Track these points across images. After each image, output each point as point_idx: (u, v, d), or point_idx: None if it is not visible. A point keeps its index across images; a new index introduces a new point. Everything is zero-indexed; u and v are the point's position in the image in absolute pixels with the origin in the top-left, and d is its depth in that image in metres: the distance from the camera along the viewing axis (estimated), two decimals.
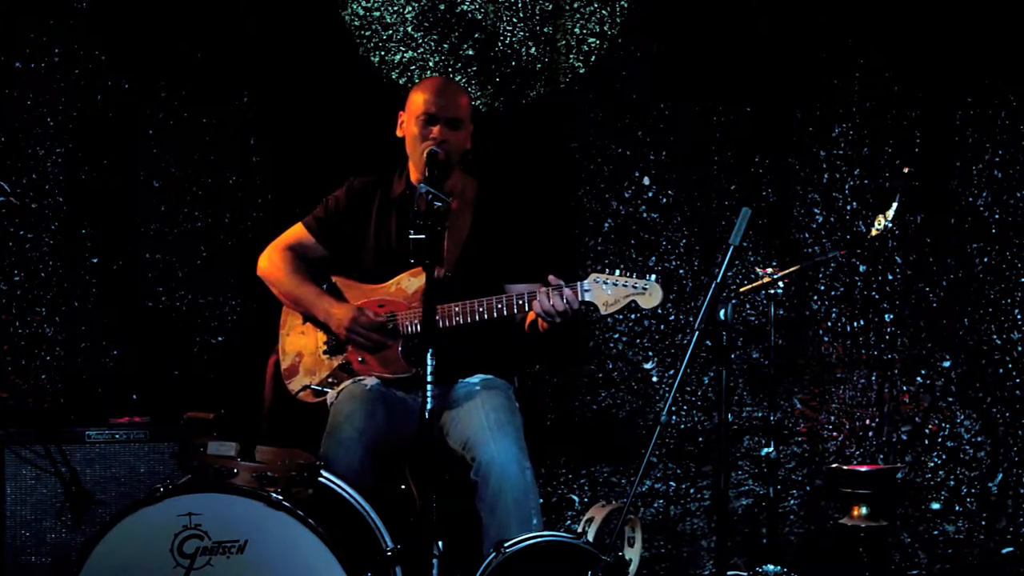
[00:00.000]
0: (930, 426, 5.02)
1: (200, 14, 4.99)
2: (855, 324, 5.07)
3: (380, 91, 5.09)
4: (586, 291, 3.59)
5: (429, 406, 3.25)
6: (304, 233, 4.07)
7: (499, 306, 3.67)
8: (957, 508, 4.99)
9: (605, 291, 3.58)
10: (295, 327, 4.05)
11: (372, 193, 4.04)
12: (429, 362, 3.25)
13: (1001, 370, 4.98)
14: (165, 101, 5.02)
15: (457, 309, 3.71)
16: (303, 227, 4.08)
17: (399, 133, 4.00)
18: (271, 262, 4.05)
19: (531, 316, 3.77)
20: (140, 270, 5.01)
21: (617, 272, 3.58)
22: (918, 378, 5.03)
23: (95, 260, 4.97)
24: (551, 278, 3.59)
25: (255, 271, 4.10)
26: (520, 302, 3.65)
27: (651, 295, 3.58)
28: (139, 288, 5.01)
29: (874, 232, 4.21)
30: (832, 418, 5.08)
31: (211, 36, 5.02)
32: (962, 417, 5.00)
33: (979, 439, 4.98)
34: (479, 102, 5.07)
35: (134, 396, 4.90)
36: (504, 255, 3.91)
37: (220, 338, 5.06)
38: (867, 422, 5.04)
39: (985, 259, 4.99)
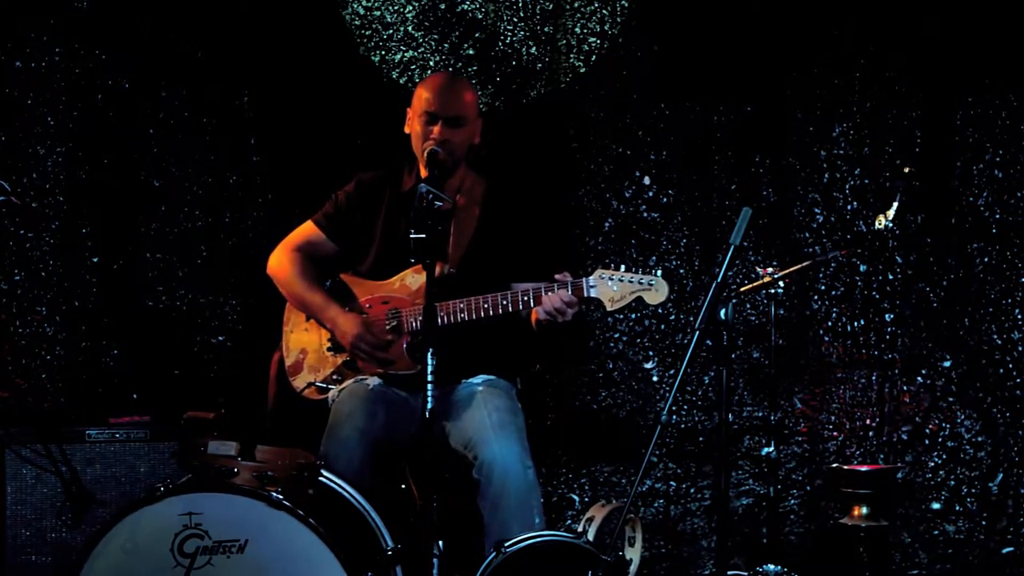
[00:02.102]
0: (930, 426, 5.01)
1: (200, 14, 4.99)
2: (855, 324, 5.06)
3: (380, 91, 5.10)
4: (592, 287, 3.58)
5: (430, 406, 3.25)
6: (314, 230, 4.04)
7: (504, 302, 3.66)
8: (957, 508, 4.98)
9: (611, 287, 3.58)
10: (299, 323, 4.03)
11: (382, 188, 4.02)
12: (429, 362, 3.25)
13: (1001, 370, 4.98)
14: (165, 101, 5.02)
15: (462, 305, 3.69)
16: (313, 224, 4.04)
17: (406, 130, 3.98)
18: (280, 263, 4.02)
19: (535, 315, 3.75)
20: (140, 270, 5.01)
21: (622, 268, 3.58)
22: (918, 378, 5.03)
23: (95, 260, 4.97)
24: (557, 276, 3.59)
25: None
26: (525, 298, 3.64)
27: (657, 290, 3.58)
28: (139, 288, 5.01)
29: (874, 232, 4.21)
30: (832, 418, 5.07)
31: (211, 36, 5.02)
32: (962, 417, 5.00)
33: (979, 439, 4.98)
34: (480, 102, 5.06)
35: (134, 396, 4.89)
36: (511, 253, 3.89)
37: (220, 338, 5.05)
38: (867, 422, 5.04)
39: (985, 259, 4.99)
